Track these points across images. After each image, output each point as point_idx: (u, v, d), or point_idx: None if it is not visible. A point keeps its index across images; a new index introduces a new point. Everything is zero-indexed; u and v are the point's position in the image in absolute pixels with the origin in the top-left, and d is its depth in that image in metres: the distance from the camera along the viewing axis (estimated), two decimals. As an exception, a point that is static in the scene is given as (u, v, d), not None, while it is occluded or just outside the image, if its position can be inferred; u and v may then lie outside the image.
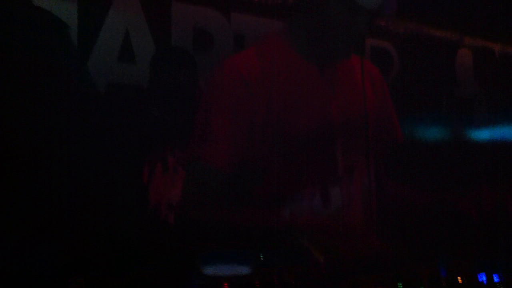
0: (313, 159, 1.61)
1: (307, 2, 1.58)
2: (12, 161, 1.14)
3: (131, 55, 2.92)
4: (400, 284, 1.18)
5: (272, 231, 1.44)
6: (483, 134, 4.01)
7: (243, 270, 1.18)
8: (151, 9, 2.97)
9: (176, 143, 2.56)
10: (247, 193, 1.60)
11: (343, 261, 1.30)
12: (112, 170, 2.43)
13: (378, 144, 1.73)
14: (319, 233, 1.40)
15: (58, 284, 1.07)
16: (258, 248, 1.32)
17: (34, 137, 1.18)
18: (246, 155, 1.57)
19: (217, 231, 1.52)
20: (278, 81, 1.58)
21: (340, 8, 1.51)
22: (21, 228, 1.12)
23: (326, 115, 1.62)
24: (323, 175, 1.63)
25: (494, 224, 1.56)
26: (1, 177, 1.10)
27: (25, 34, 1.25)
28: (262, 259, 1.27)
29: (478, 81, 4.42)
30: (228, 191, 1.58)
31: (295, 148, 1.59)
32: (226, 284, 1.12)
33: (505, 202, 1.58)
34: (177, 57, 2.70)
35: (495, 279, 1.24)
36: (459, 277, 1.21)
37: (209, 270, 1.17)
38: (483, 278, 1.22)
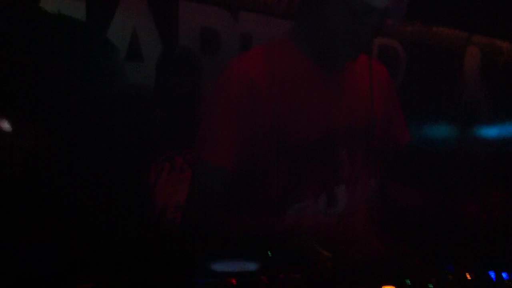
0: (319, 161, 1.60)
1: (314, 2, 1.57)
2: (29, 162, 1.15)
3: (138, 54, 2.92)
4: (408, 280, 1.17)
5: (276, 234, 1.43)
6: (490, 136, 3.99)
7: (251, 266, 1.18)
8: (159, 8, 2.97)
9: (182, 143, 2.56)
10: (252, 195, 1.59)
11: (348, 263, 1.30)
12: (118, 170, 2.44)
13: (385, 146, 1.73)
14: (324, 236, 1.39)
15: (59, 284, 1.07)
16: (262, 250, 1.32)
17: (44, 139, 1.18)
18: (252, 157, 1.56)
19: (220, 232, 1.52)
20: (285, 82, 1.57)
21: (348, 9, 1.50)
22: (31, 229, 1.13)
23: (333, 116, 1.61)
24: (330, 177, 1.62)
25: (502, 227, 1.55)
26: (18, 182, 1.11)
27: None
28: (270, 255, 1.27)
29: (485, 82, 4.40)
30: (233, 192, 1.58)
31: (302, 150, 1.58)
32: (234, 280, 1.12)
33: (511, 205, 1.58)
34: (184, 56, 2.70)
35: (505, 276, 1.24)
36: (467, 274, 1.20)
37: (217, 267, 1.17)
38: (492, 275, 1.22)
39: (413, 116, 2.08)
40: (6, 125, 1.05)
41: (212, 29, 3.17)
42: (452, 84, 4.22)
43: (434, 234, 1.54)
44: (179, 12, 3.06)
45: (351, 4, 1.49)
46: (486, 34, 4.30)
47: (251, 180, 1.57)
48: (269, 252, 1.30)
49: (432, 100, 3.90)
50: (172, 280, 1.15)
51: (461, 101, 4.23)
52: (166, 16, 3.01)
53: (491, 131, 4.00)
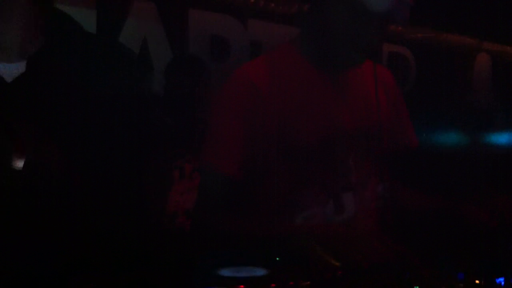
0: (325, 167, 1.60)
1: (317, 9, 1.57)
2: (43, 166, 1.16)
3: (148, 62, 2.94)
4: (417, 287, 1.17)
5: (282, 239, 1.43)
6: (500, 141, 3.98)
7: (259, 272, 1.18)
8: (169, 17, 2.99)
9: (191, 151, 2.57)
10: (257, 201, 1.60)
11: (357, 267, 1.29)
12: (127, 177, 2.45)
13: (392, 151, 1.72)
14: (332, 240, 1.39)
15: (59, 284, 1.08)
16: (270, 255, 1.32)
17: (50, 142, 1.19)
18: (257, 163, 1.57)
19: (227, 238, 1.52)
20: (289, 89, 1.58)
21: (351, 15, 1.50)
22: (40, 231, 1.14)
23: (338, 122, 1.61)
24: (336, 183, 1.61)
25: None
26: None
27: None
28: (278, 260, 1.28)
29: (495, 88, 4.38)
30: (238, 198, 1.58)
31: (307, 156, 1.58)
32: (242, 286, 1.13)
33: None
34: (193, 64, 2.71)
35: (515, 283, 1.23)
36: (477, 280, 1.20)
37: (226, 273, 1.17)
38: (501, 280, 1.21)
39: (423, 121, 2.08)
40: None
41: (221, 37, 3.19)
42: (462, 90, 4.20)
43: (442, 238, 1.54)
44: (189, 20, 3.07)
45: (354, 8, 1.49)
46: (496, 41, 4.29)
47: (257, 186, 1.57)
48: (277, 258, 1.30)
49: (442, 106, 3.89)
50: (172, 280, 1.15)
51: (471, 107, 4.21)
52: (176, 24, 3.03)
53: (500, 137, 3.98)
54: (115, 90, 1.33)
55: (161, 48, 2.98)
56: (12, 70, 1.17)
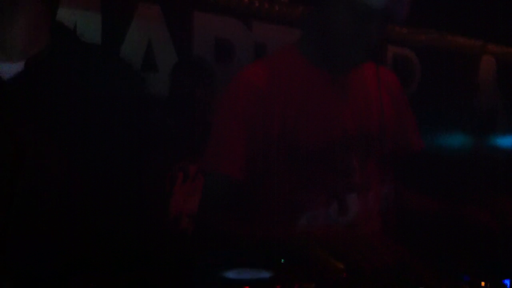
0: (329, 168, 1.60)
1: (319, 10, 1.58)
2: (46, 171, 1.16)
3: (153, 65, 2.95)
4: (422, 288, 1.17)
5: (287, 240, 1.43)
6: (505, 144, 3.97)
7: (264, 274, 1.18)
8: (173, 19, 2.99)
9: (195, 153, 2.57)
10: (260, 203, 1.60)
11: (361, 269, 1.29)
12: (131, 179, 2.45)
13: (397, 152, 1.72)
14: (336, 244, 1.38)
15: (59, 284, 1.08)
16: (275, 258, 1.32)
17: (54, 145, 1.20)
18: (260, 165, 1.57)
19: (230, 240, 1.52)
20: (292, 91, 1.58)
21: (352, 14, 1.50)
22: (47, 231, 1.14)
23: (341, 123, 1.61)
24: (340, 184, 1.61)
25: None
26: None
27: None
28: (283, 262, 1.28)
29: (501, 90, 4.37)
30: (242, 200, 1.58)
31: (310, 158, 1.58)
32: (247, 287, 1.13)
33: None
34: (197, 67, 2.72)
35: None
36: (482, 282, 1.20)
37: (231, 275, 1.17)
38: (507, 282, 1.21)
39: (428, 124, 2.07)
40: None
41: (226, 39, 3.19)
42: (467, 92, 4.20)
43: (445, 240, 1.53)
44: (193, 22, 3.08)
45: (355, 8, 1.50)
46: (501, 43, 4.28)
47: (259, 187, 1.57)
48: (282, 259, 1.30)
49: (447, 108, 3.88)
50: (174, 281, 1.15)
51: (476, 109, 4.21)
52: (180, 27, 3.04)
53: (505, 139, 3.97)
54: (113, 94, 1.33)
55: (165, 51, 2.99)
56: (12, 70, 1.18)
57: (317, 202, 1.58)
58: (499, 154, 3.80)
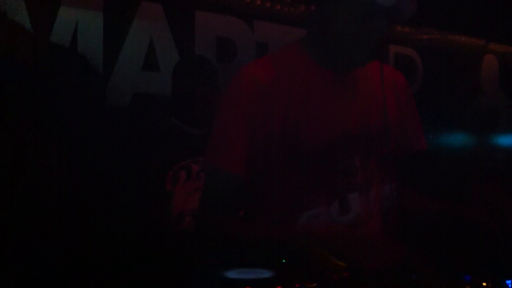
0: (330, 167, 1.59)
1: (323, 7, 1.57)
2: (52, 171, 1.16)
3: (155, 64, 2.95)
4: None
5: (287, 240, 1.42)
6: (508, 143, 3.96)
7: (265, 274, 1.18)
8: (175, 18, 2.99)
9: (198, 151, 2.57)
10: (262, 201, 1.59)
11: (363, 271, 1.29)
12: (135, 178, 2.45)
13: (400, 152, 1.71)
14: (337, 244, 1.38)
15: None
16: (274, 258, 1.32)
17: (58, 146, 1.20)
18: (262, 163, 1.56)
19: (231, 239, 1.52)
20: (295, 88, 1.57)
21: (358, 11, 1.50)
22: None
23: (344, 122, 1.60)
24: (339, 185, 1.61)
25: None
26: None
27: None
28: (284, 262, 1.28)
29: (503, 89, 4.37)
30: (243, 198, 1.58)
31: (312, 156, 1.58)
32: (248, 288, 1.13)
33: None
34: (200, 66, 2.71)
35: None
36: (484, 283, 1.20)
37: (232, 275, 1.17)
38: (508, 283, 1.21)
39: (429, 123, 2.07)
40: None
41: (227, 39, 3.19)
42: (469, 91, 4.19)
43: (446, 240, 1.53)
44: (195, 21, 3.08)
45: (358, 4, 1.49)
46: (504, 42, 4.28)
47: (260, 185, 1.57)
48: (283, 259, 1.30)
49: (449, 107, 3.88)
50: (172, 280, 1.15)
51: (478, 108, 4.20)
52: (182, 26, 3.04)
53: (508, 138, 3.97)
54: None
55: (167, 50, 2.98)
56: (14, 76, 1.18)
57: (318, 202, 1.57)
58: (501, 153, 3.79)
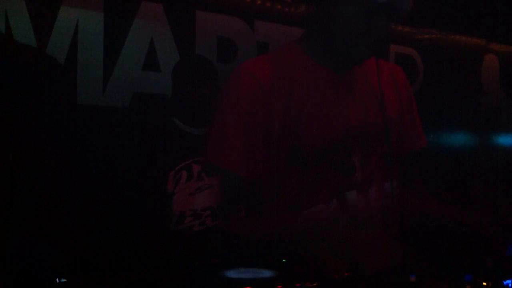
0: (331, 165, 1.59)
1: (323, 4, 1.57)
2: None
3: (155, 64, 2.94)
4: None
5: (288, 240, 1.42)
6: (508, 143, 3.96)
7: (265, 274, 1.18)
8: (175, 18, 2.99)
9: (199, 151, 2.57)
10: (263, 201, 1.59)
11: (364, 271, 1.29)
12: (135, 178, 2.45)
13: (399, 149, 1.71)
14: (337, 244, 1.38)
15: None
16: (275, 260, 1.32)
17: (60, 147, 1.20)
18: (262, 162, 1.56)
19: (233, 239, 1.52)
20: (294, 87, 1.57)
21: (358, 8, 1.50)
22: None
23: (344, 120, 1.60)
24: (342, 182, 1.61)
25: None
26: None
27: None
28: (284, 262, 1.27)
29: (503, 89, 4.36)
30: (244, 197, 1.58)
31: (312, 154, 1.58)
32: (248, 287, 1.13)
33: None
34: (200, 65, 2.71)
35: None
36: (484, 282, 1.20)
37: (232, 274, 1.17)
38: (508, 283, 1.21)
39: (430, 123, 2.07)
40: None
41: (228, 38, 3.19)
42: (470, 91, 4.19)
43: (448, 240, 1.53)
44: (195, 21, 3.07)
45: (359, 3, 1.49)
46: (504, 42, 4.27)
47: (260, 186, 1.56)
48: (283, 259, 1.30)
49: (449, 107, 3.87)
50: (172, 280, 1.15)
51: (479, 108, 4.20)
52: (183, 26, 3.03)
53: (509, 138, 3.96)
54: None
55: (168, 49, 2.98)
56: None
57: (319, 201, 1.57)
58: (502, 153, 3.79)
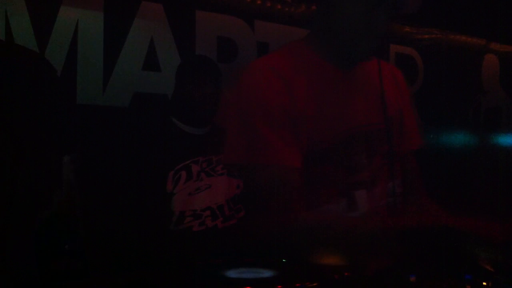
0: (337, 164, 1.59)
1: (326, 2, 1.57)
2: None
3: (156, 64, 2.94)
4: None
5: (289, 241, 1.42)
6: (508, 143, 3.96)
7: (265, 274, 1.18)
8: (176, 18, 2.99)
9: (199, 152, 2.57)
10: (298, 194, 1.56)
11: (364, 271, 1.29)
12: (136, 178, 2.45)
13: (400, 149, 1.71)
14: (338, 243, 1.38)
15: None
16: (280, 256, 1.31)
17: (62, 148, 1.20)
18: (300, 152, 1.52)
19: (240, 237, 1.51)
20: (303, 84, 1.56)
21: (361, 4, 1.50)
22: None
23: (351, 118, 1.60)
24: (349, 180, 1.60)
25: None
26: None
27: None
28: (284, 262, 1.27)
29: (503, 88, 4.37)
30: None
31: (319, 155, 1.57)
32: (248, 288, 1.13)
33: None
34: (201, 65, 2.71)
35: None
36: (484, 283, 1.19)
37: (232, 274, 1.17)
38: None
39: (430, 122, 2.07)
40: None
41: (228, 38, 3.19)
42: (470, 91, 4.19)
43: (448, 240, 1.53)
44: (195, 21, 3.08)
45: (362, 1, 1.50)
46: (504, 42, 4.28)
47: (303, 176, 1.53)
48: (283, 259, 1.29)
49: (449, 107, 3.87)
50: (172, 280, 1.15)
51: (479, 107, 4.20)
52: (183, 26, 3.04)
53: (509, 138, 3.96)
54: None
55: (168, 49, 2.98)
56: None
57: (326, 199, 1.56)
58: (502, 152, 3.79)
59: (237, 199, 2.61)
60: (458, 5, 3.52)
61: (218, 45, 3.14)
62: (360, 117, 1.61)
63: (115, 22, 2.80)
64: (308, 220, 1.52)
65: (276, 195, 1.48)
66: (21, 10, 2.54)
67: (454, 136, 3.74)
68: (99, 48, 2.77)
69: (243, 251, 1.36)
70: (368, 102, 1.64)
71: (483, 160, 3.55)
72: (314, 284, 1.17)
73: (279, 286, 1.14)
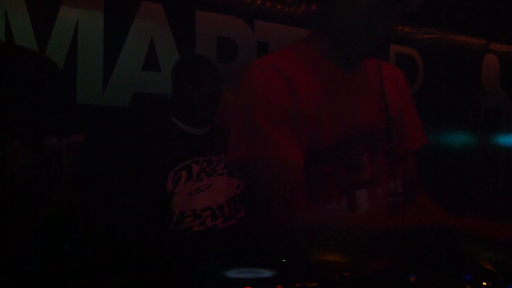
0: (339, 163, 1.59)
1: (328, 2, 1.57)
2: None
3: (156, 64, 2.94)
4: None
5: (295, 239, 1.42)
6: (508, 143, 3.96)
7: (265, 274, 1.18)
8: (176, 18, 2.99)
9: (199, 152, 2.57)
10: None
11: (365, 271, 1.29)
12: (135, 177, 2.45)
13: (401, 148, 1.71)
14: (338, 243, 1.38)
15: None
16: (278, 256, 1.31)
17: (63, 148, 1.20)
18: (302, 149, 1.52)
19: (240, 237, 1.51)
20: (305, 84, 1.56)
21: (361, 7, 1.50)
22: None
23: (353, 118, 1.60)
24: (351, 179, 1.60)
25: None
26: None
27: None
28: (284, 262, 1.27)
29: (503, 88, 4.37)
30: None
31: (321, 154, 1.57)
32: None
33: None
34: (201, 65, 2.71)
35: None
36: (484, 283, 1.19)
37: (232, 274, 1.17)
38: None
39: (430, 122, 2.07)
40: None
41: (228, 38, 3.19)
42: (470, 91, 4.19)
43: (448, 240, 1.53)
44: (195, 21, 3.08)
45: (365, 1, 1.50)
46: (504, 42, 4.28)
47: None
48: (283, 259, 1.29)
49: (449, 107, 3.88)
50: (172, 280, 1.15)
51: (479, 107, 4.20)
52: (183, 26, 3.04)
53: (509, 137, 3.96)
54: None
55: (168, 49, 2.99)
56: None
57: (326, 199, 1.56)
58: (502, 152, 3.79)
59: (237, 199, 2.61)
60: (458, 5, 3.52)
61: (218, 45, 3.14)
62: (361, 117, 1.61)
63: (115, 22, 2.80)
64: (308, 220, 1.52)
65: (277, 189, 1.48)
66: (21, 10, 2.54)
67: (454, 136, 3.74)
68: (99, 48, 2.77)
69: (243, 251, 1.36)
70: (369, 102, 1.64)
71: (483, 160, 3.55)
72: (314, 284, 1.17)
73: (279, 286, 1.14)
